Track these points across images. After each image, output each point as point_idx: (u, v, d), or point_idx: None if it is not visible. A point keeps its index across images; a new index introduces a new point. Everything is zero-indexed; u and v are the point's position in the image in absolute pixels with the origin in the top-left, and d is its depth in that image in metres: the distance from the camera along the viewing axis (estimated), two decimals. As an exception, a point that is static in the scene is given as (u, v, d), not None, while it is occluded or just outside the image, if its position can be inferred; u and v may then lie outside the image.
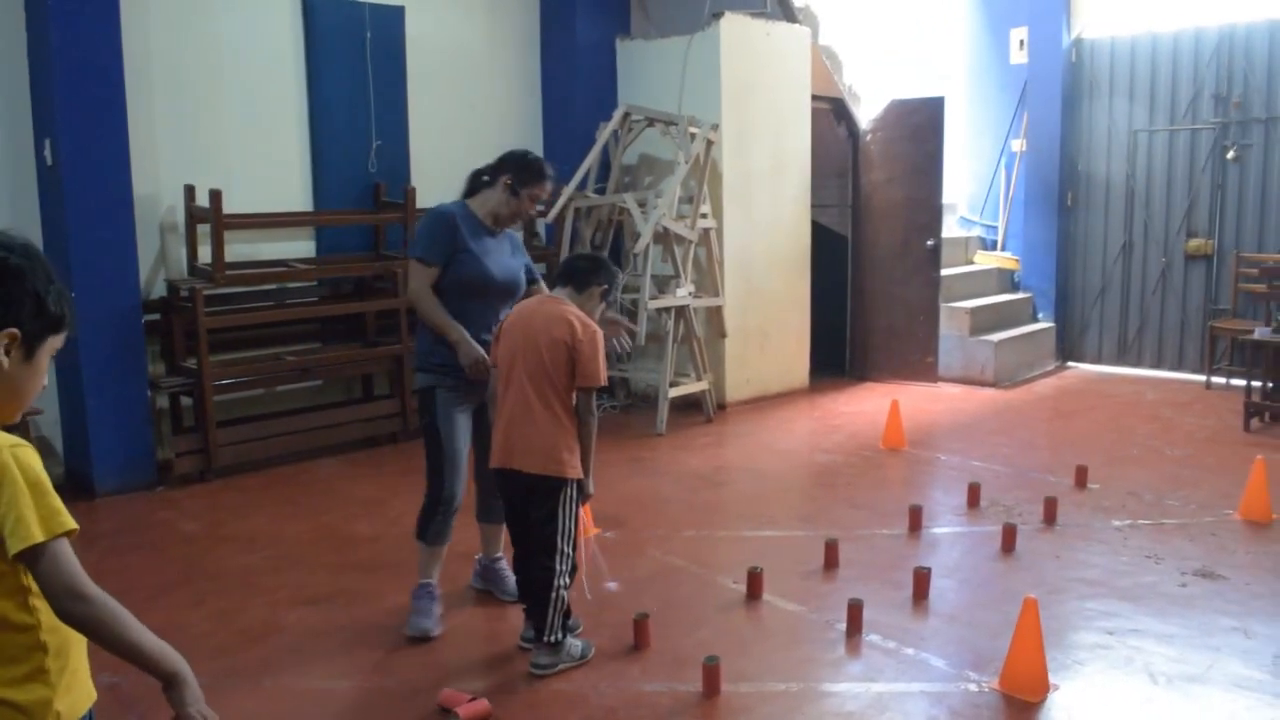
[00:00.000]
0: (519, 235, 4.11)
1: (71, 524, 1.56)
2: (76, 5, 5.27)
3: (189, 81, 6.08)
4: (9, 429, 1.62)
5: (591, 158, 7.41)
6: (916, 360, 8.47)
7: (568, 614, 3.55)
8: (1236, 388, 7.61)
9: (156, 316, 5.99)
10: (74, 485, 5.63)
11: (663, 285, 7.23)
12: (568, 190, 7.18)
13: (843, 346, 8.90)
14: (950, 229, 9.50)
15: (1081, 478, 5.62)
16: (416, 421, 6.44)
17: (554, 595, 3.44)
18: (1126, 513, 5.17)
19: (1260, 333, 6.88)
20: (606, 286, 3.58)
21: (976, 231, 9.91)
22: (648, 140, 7.62)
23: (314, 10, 6.50)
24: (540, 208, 4.30)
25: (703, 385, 7.27)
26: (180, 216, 6.08)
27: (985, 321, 8.73)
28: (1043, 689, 3.33)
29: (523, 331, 3.47)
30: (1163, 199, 8.74)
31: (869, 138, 8.59)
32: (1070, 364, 9.35)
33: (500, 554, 4.18)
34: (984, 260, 9.67)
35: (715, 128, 7.26)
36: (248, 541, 4.90)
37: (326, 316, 6.70)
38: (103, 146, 5.41)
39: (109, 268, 5.47)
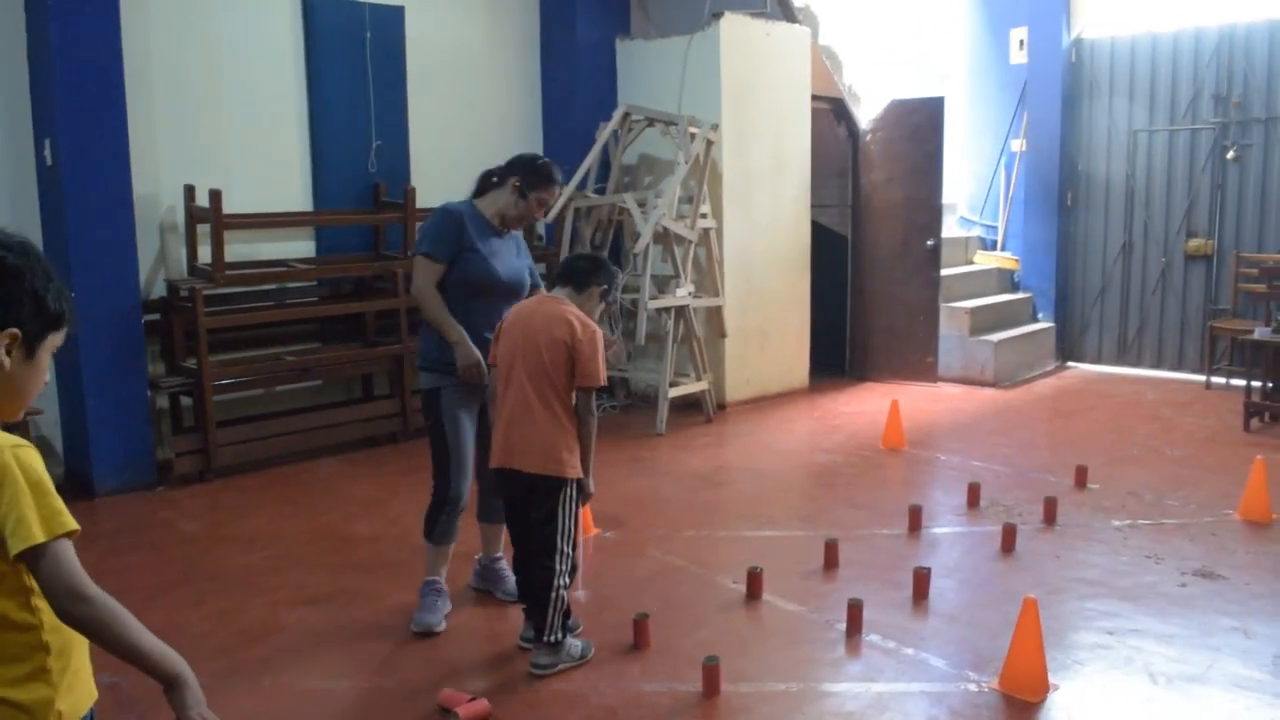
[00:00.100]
0: (522, 236, 4.12)
1: (73, 524, 1.56)
2: (76, 5, 5.27)
3: (189, 81, 6.08)
4: (11, 428, 1.62)
5: (591, 158, 7.42)
6: (916, 360, 8.47)
7: (568, 614, 3.55)
8: (1236, 388, 7.61)
9: (156, 316, 5.99)
10: (74, 485, 5.63)
11: (663, 285, 7.23)
12: (568, 190, 7.18)
13: (843, 346, 8.91)
14: (950, 229, 9.50)
15: (1081, 478, 5.62)
16: (416, 422, 6.50)
17: (554, 595, 3.44)
18: (1126, 513, 5.18)
19: (1260, 333, 6.88)
20: (606, 287, 3.58)
21: (976, 231, 9.91)
22: (648, 140, 7.62)
23: (314, 10, 6.50)
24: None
25: (702, 385, 7.27)
26: (180, 216, 6.08)
27: (985, 321, 8.74)
28: (1043, 689, 3.33)
29: (522, 331, 3.47)
30: (1162, 199, 8.74)
31: (869, 138, 8.59)
32: (1070, 364, 9.35)
33: (500, 554, 4.18)
34: (984, 260, 9.67)
35: (715, 128, 7.26)
36: (248, 541, 4.90)
37: (326, 316, 6.70)
38: (103, 146, 5.41)
39: (109, 268, 5.47)
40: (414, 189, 6.64)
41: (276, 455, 6.13)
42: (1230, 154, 8.30)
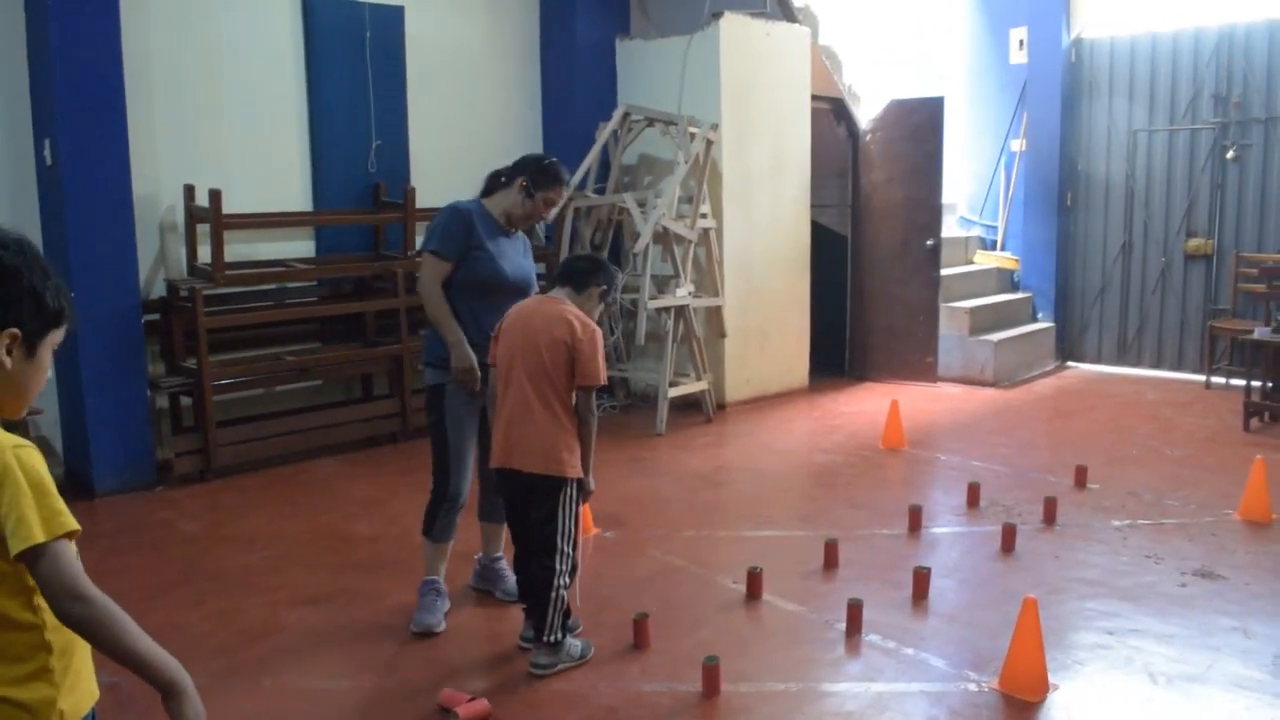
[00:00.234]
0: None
1: (73, 524, 1.56)
2: (76, 5, 5.27)
3: (189, 81, 6.08)
4: (11, 427, 1.62)
5: (591, 157, 7.42)
6: (916, 360, 8.47)
7: (567, 614, 3.55)
8: (1236, 388, 7.61)
9: (156, 316, 5.99)
10: (74, 485, 5.63)
11: (662, 285, 7.23)
12: (567, 190, 7.18)
13: (842, 346, 8.90)
14: (950, 229, 9.50)
15: (1081, 478, 5.62)
16: (416, 422, 6.50)
17: (554, 595, 3.44)
18: (1126, 513, 5.18)
19: (1260, 333, 6.88)
20: (605, 287, 3.58)
21: (976, 231, 9.91)
22: (647, 140, 7.62)
23: (314, 10, 6.50)
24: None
25: (702, 385, 7.27)
26: (180, 216, 6.08)
27: (985, 321, 8.74)
28: (1042, 689, 3.33)
29: (522, 331, 3.47)
30: (1162, 199, 8.74)
31: (869, 138, 8.59)
32: (1070, 364, 9.35)
33: (500, 553, 4.18)
34: (984, 260, 9.67)
35: (715, 128, 7.26)
36: (247, 541, 4.90)
37: (326, 316, 6.70)
38: (103, 146, 5.41)
39: (109, 268, 5.47)
40: (414, 189, 6.64)
41: (276, 455, 6.13)
42: (1230, 154, 8.30)
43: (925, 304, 8.38)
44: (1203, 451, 6.36)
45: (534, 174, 3.86)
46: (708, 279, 7.48)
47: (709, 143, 7.17)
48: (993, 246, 9.76)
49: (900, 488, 5.77)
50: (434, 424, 3.89)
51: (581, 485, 3.52)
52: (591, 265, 3.61)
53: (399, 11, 6.90)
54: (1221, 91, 8.31)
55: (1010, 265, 9.58)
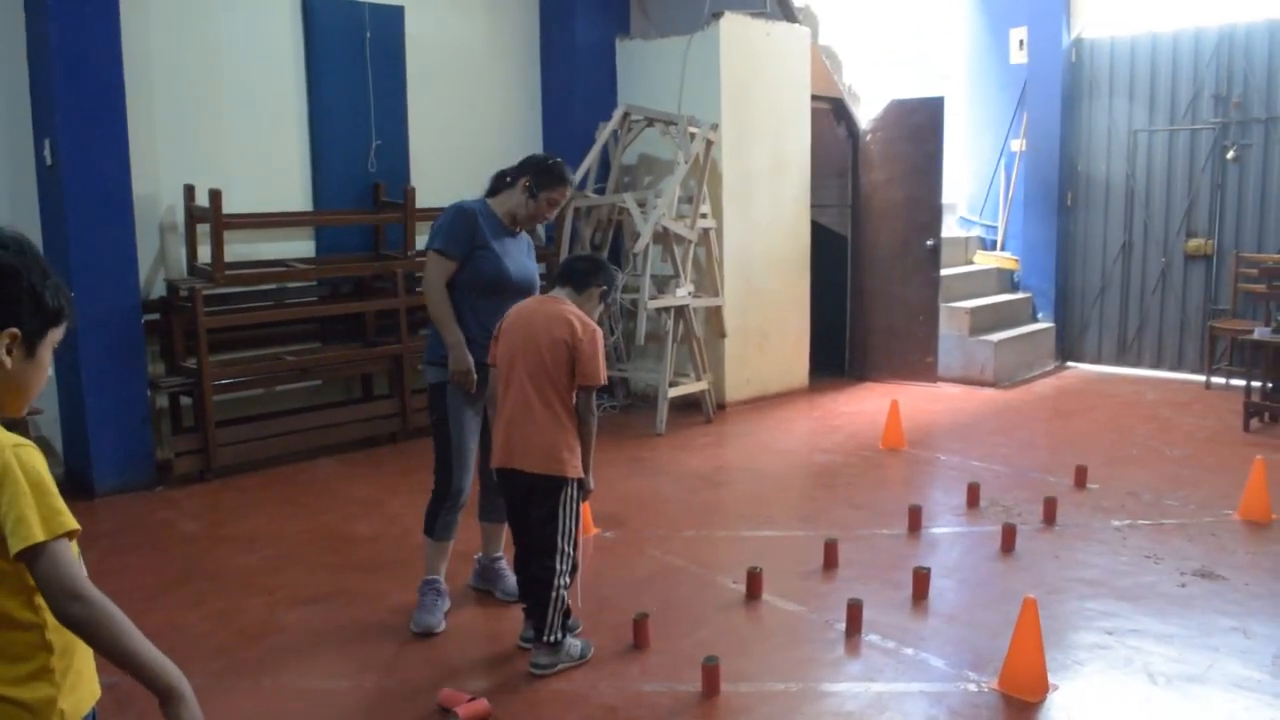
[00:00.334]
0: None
1: (73, 524, 1.55)
2: (76, 5, 5.27)
3: (189, 81, 6.08)
4: (11, 426, 1.62)
5: (591, 157, 7.42)
6: (916, 360, 8.47)
7: (567, 614, 3.55)
8: (1236, 388, 7.61)
9: (156, 316, 5.99)
10: (73, 485, 5.63)
11: (662, 285, 7.23)
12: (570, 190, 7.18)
13: (842, 346, 8.90)
14: (950, 229, 9.50)
15: (1081, 478, 5.62)
16: (415, 422, 6.50)
17: (554, 595, 3.44)
18: (1126, 513, 5.18)
19: (1260, 333, 6.88)
20: (605, 287, 3.59)
21: (976, 231, 9.91)
22: (647, 140, 7.62)
23: (314, 10, 6.50)
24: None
25: (702, 385, 7.27)
26: (180, 216, 6.08)
27: (985, 321, 8.74)
28: (1042, 689, 3.33)
29: (523, 331, 3.47)
30: (1162, 199, 8.74)
31: (869, 138, 8.59)
32: (1070, 364, 9.35)
33: (500, 553, 4.18)
34: (984, 260, 9.67)
35: (715, 128, 7.26)
36: (247, 541, 4.90)
37: (326, 316, 6.70)
38: (103, 146, 5.41)
39: (109, 268, 5.47)
40: (414, 189, 6.64)
41: (276, 455, 6.13)
42: (1230, 154, 8.30)
43: (925, 304, 8.38)
44: (1202, 451, 6.36)
45: (538, 174, 3.87)
46: (708, 279, 7.48)
47: (709, 143, 7.17)
48: (993, 246, 9.76)
49: (900, 488, 5.77)
50: (436, 422, 3.90)
51: (582, 485, 3.52)
52: (591, 265, 3.61)
53: (399, 11, 6.90)
54: (1221, 91, 8.31)
55: (1010, 265, 9.58)
